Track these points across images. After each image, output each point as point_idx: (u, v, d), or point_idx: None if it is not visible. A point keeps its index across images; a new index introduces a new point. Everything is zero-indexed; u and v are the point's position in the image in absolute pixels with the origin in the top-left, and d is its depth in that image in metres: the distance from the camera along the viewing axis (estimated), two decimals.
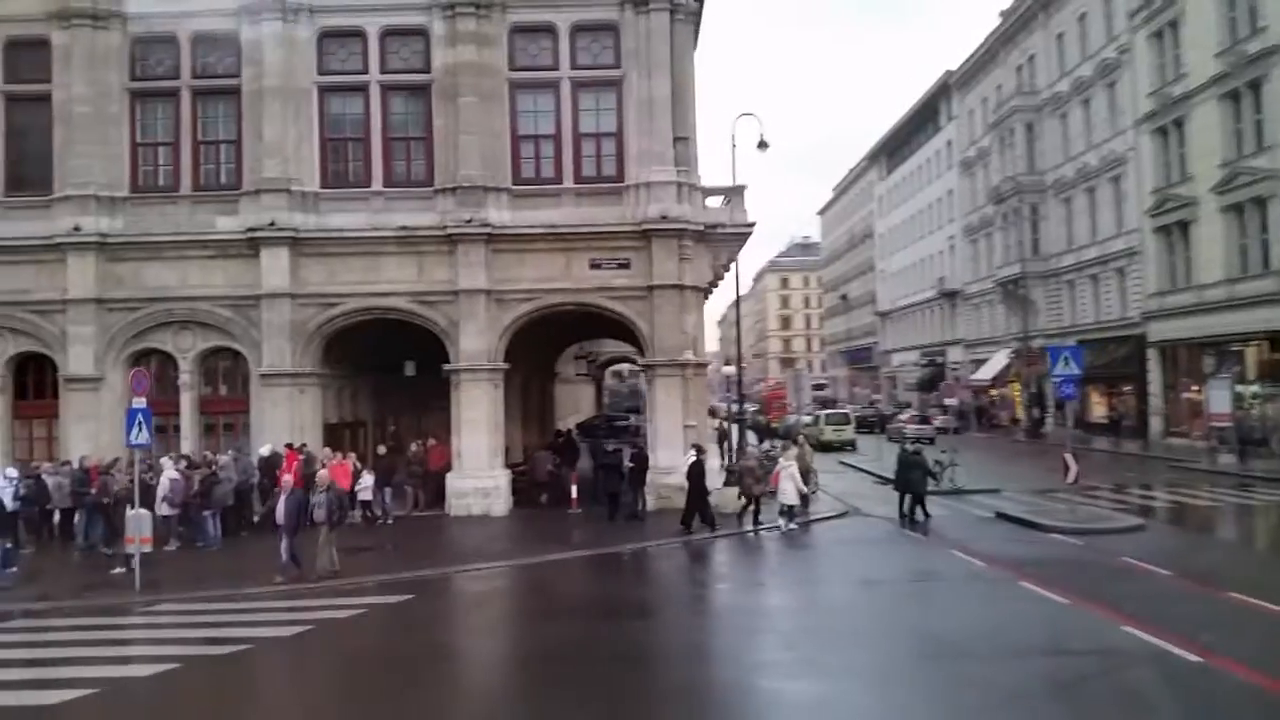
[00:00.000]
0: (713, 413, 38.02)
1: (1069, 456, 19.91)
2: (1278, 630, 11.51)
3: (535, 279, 22.45)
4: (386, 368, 25.58)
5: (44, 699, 9.80)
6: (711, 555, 18.46)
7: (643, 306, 22.46)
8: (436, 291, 22.34)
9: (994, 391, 52.80)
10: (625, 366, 61.90)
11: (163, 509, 18.06)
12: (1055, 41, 45.53)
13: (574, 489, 22.52)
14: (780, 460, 21.27)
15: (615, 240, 22.41)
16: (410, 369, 25.33)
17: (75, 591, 15.21)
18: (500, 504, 22.18)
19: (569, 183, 22.74)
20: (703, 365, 23.91)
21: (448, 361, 22.41)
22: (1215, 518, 21.47)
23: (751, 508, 20.63)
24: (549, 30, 22.74)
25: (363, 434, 25.73)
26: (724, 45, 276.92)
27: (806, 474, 21.81)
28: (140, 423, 15.46)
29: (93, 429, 21.79)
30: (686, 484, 19.83)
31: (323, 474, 16.21)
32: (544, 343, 30.94)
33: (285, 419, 21.95)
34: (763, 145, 26.51)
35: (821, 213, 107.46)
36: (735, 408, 33.80)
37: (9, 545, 16.40)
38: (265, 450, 21.04)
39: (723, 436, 30.98)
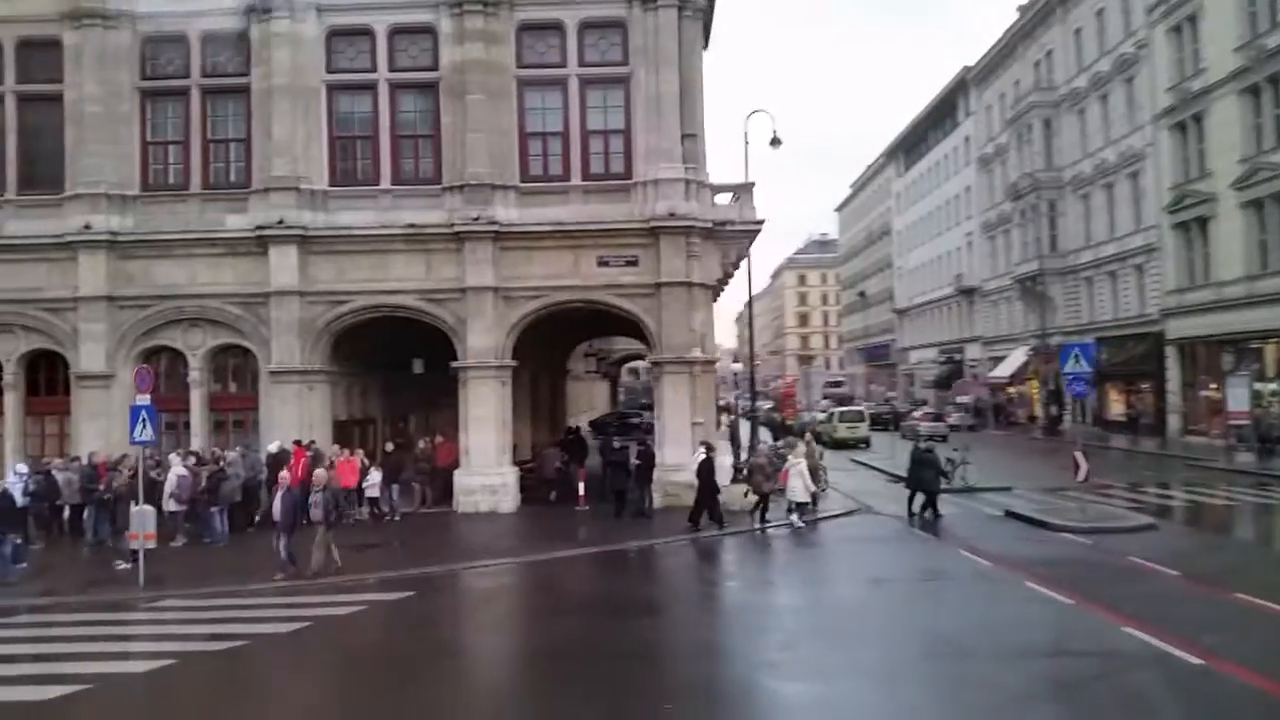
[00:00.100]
0: (726, 409, 37.95)
1: (1079, 454, 19.75)
2: None
3: (543, 276, 22.43)
4: (395, 365, 25.64)
5: (38, 695, 9.84)
6: (719, 553, 18.37)
7: (650, 304, 22.40)
8: (444, 289, 22.36)
9: (1012, 389, 52.40)
10: (640, 363, 61.80)
11: (170, 505, 18.18)
12: (1073, 37, 45.08)
13: (581, 486, 22.53)
14: (789, 458, 21.17)
15: (623, 237, 22.35)
16: (419, 366, 25.42)
17: (80, 587, 15.34)
18: (508, 501, 22.19)
19: (577, 180, 22.69)
20: (711, 363, 23.83)
21: (456, 359, 22.44)
22: (1230, 517, 21.17)
23: (761, 505, 20.52)
24: (557, 27, 22.71)
25: (372, 431, 25.79)
26: (738, 44, 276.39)
27: (815, 471, 21.68)
28: (144, 419, 15.46)
29: (104, 426, 21.95)
30: (695, 481, 19.75)
31: (320, 474, 16.18)
32: (553, 340, 30.92)
33: (294, 416, 22.06)
34: (775, 142, 26.36)
35: (839, 209, 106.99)
36: (748, 404, 33.63)
37: (19, 541, 16.52)
38: (273, 447, 21.10)
39: (732, 434, 30.81)
